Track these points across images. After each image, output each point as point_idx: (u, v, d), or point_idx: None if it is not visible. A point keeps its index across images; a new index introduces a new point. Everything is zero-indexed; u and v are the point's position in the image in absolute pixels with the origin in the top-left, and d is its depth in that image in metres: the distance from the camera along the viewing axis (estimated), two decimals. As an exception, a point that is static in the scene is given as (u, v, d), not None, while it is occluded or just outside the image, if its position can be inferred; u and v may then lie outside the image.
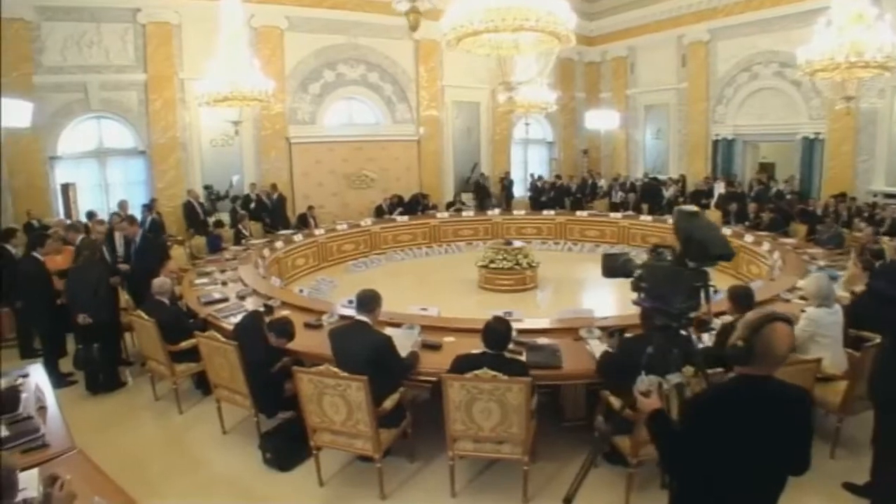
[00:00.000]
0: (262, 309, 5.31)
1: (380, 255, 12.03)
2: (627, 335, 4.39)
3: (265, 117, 12.72)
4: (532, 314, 7.86)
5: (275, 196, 12.44)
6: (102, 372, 5.71)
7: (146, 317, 5.05)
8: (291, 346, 4.52)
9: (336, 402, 3.62)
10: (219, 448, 4.67)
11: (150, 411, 5.39)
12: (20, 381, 4.25)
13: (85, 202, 11.27)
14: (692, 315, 2.59)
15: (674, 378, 2.50)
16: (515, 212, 14.00)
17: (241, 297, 6.27)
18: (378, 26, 14.04)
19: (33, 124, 10.41)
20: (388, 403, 3.78)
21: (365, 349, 3.74)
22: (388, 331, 4.36)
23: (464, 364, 3.59)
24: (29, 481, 2.76)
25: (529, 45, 6.63)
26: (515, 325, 4.32)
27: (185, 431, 5.00)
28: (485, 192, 15.21)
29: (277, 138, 13.22)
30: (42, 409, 3.73)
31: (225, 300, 6.16)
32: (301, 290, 6.47)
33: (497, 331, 3.67)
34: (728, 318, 4.33)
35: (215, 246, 9.84)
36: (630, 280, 2.81)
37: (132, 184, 12.21)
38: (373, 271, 11.16)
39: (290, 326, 4.48)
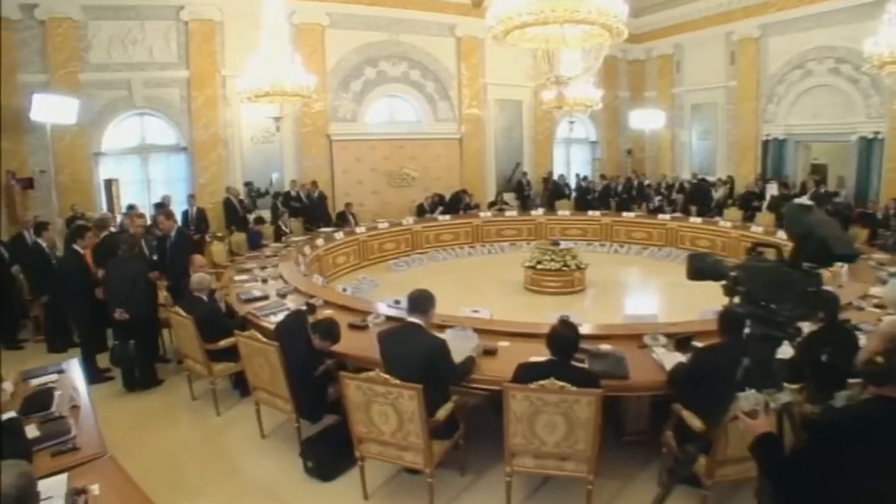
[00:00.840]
0: (304, 308, 5.08)
1: (421, 255, 11.80)
2: (698, 345, 4.05)
3: (306, 114, 12.56)
4: (582, 318, 7.53)
5: (315, 193, 12.31)
6: (139, 369, 5.57)
7: (184, 314, 4.88)
8: (335, 347, 4.26)
9: (386, 411, 3.33)
10: (257, 453, 4.43)
11: (186, 411, 5.22)
12: (55, 377, 4.11)
13: (127, 198, 11.29)
14: (800, 324, 2.23)
15: (782, 396, 2.15)
16: (560, 212, 13.60)
17: (282, 295, 6.06)
18: (420, 23, 13.87)
19: (79, 121, 10.56)
20: (442, 413, 3.48)
21: (418, 354, 3.45)
22: (443, 334, 4.04)
23: (528, 373, 3.27)
24: (56, 487, 2.56)
25: (579, 39, 6.28)
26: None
27: (222, 434, 4.79)
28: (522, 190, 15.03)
29: (318, 136, 13.08)
30: (75, 408, 3.55)
31: (265, 298, 5.97)
32: (344, 289, 6.22)
33: (564, 337, 3.34)
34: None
35: (255, 242, 9.77)
36: (721, 283, 2.44)
37: (174, 180, 12.23)
38: (414, 270, 10.93)
39: (336, 328, 4.20)
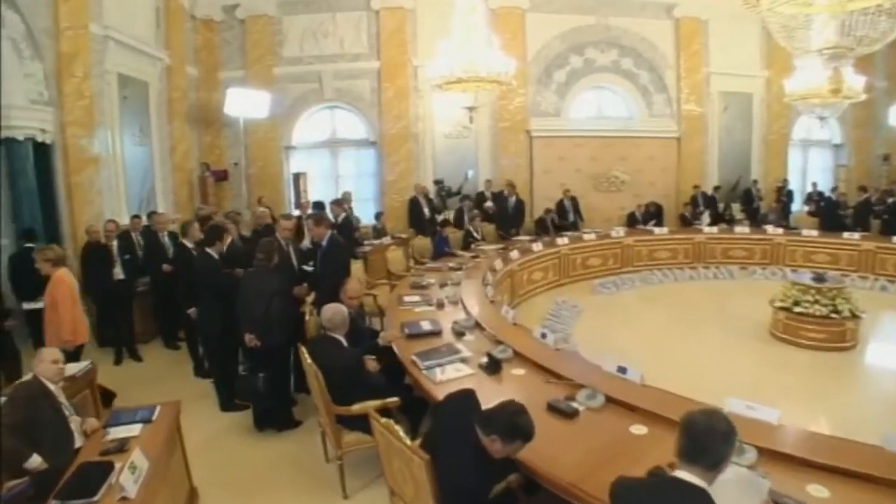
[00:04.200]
0: (472, 388, 3.26)
1: (632, 274, 9.76)
2: None
3: (504, 109, 11.49)
4: (865, 395, 5.16)
5: (512, 197, 10.87)
6: (273, 406, 4.46)
7: (308, 359, 3.49)
8: (521, 453, 2.48)
9: None
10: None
11: (314, 478, 3.87)
12: (138, 429, 3.03)
13: (315, 192, 11.16)
14: None
15: None
16: (804, 231, 10.71)
17: (459, 333, 4.45)
18: (632, 4, 12.06)
19: (272, 114, 10.71)
20: None
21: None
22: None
23: None
24: None
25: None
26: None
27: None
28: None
29: (517, 132, 11.76)
30: (125, 500, 2.36)
31: (437, 334, 4.39)
32: (543, 335, 4.19)
33: None
34: None
35: (440, 250, 8.68)
36: None
37: (363, 175, 11.93)
38: (624, 294, 8.90)
39: (524, 421, 2.40)
